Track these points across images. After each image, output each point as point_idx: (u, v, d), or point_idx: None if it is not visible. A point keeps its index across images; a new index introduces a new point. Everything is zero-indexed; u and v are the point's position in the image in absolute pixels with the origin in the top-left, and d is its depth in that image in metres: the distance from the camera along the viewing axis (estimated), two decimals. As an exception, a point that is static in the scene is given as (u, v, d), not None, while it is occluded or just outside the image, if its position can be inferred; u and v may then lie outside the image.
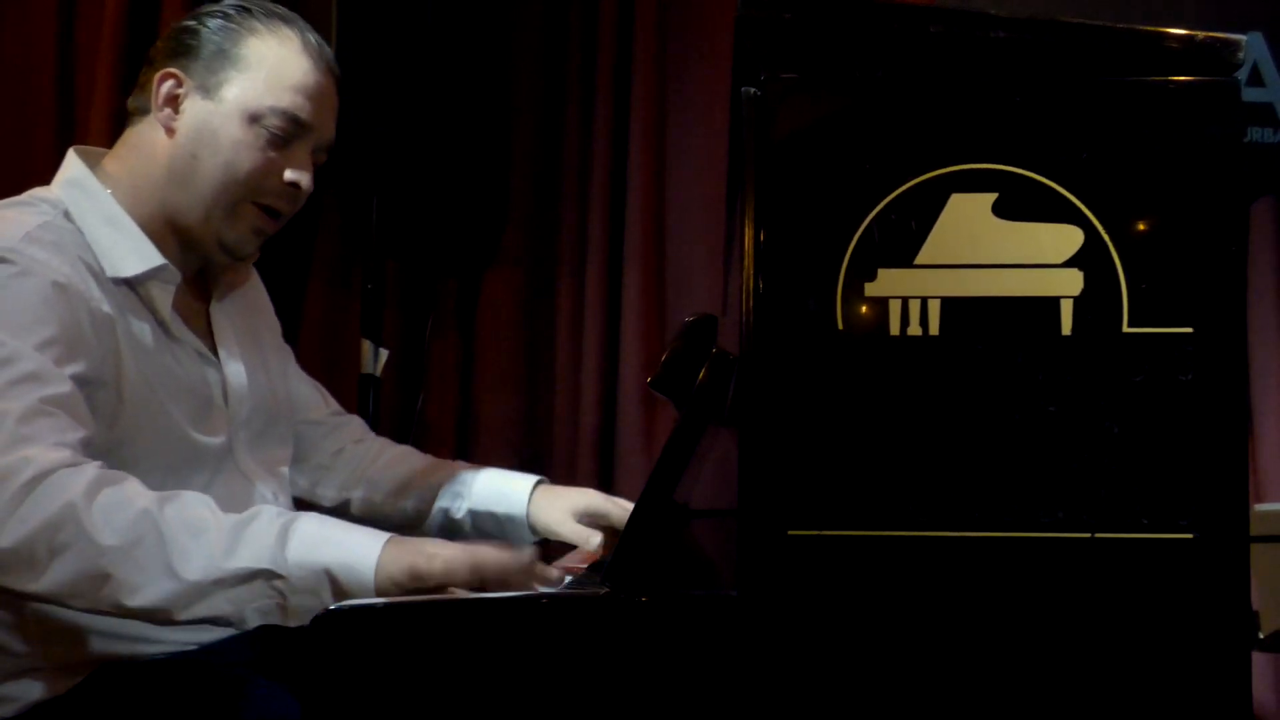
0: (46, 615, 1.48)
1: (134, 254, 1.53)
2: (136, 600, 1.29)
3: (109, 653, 1.50)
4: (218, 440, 1.59)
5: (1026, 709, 1.35)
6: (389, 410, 3.11)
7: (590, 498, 1.78)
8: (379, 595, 1.35)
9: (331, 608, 1.31)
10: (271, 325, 1.81)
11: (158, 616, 1.32)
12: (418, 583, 1.36)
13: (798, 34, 1.41)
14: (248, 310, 1.73)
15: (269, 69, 1.54)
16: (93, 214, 1.53)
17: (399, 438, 3.19)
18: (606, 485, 3.20)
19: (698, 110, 3.26)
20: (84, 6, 3.19)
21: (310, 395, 1.88)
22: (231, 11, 1.58)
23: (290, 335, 1.91)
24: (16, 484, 1.29)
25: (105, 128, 3.03)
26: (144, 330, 1.53)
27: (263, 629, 1.41)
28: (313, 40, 1.59)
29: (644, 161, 3.23)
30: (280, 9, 1.61)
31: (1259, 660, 2.99)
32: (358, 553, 1.33)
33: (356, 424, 1.94)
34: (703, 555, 1.78)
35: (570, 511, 1.80)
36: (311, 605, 1.31)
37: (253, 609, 1.32)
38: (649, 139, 3.24)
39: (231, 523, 1.32)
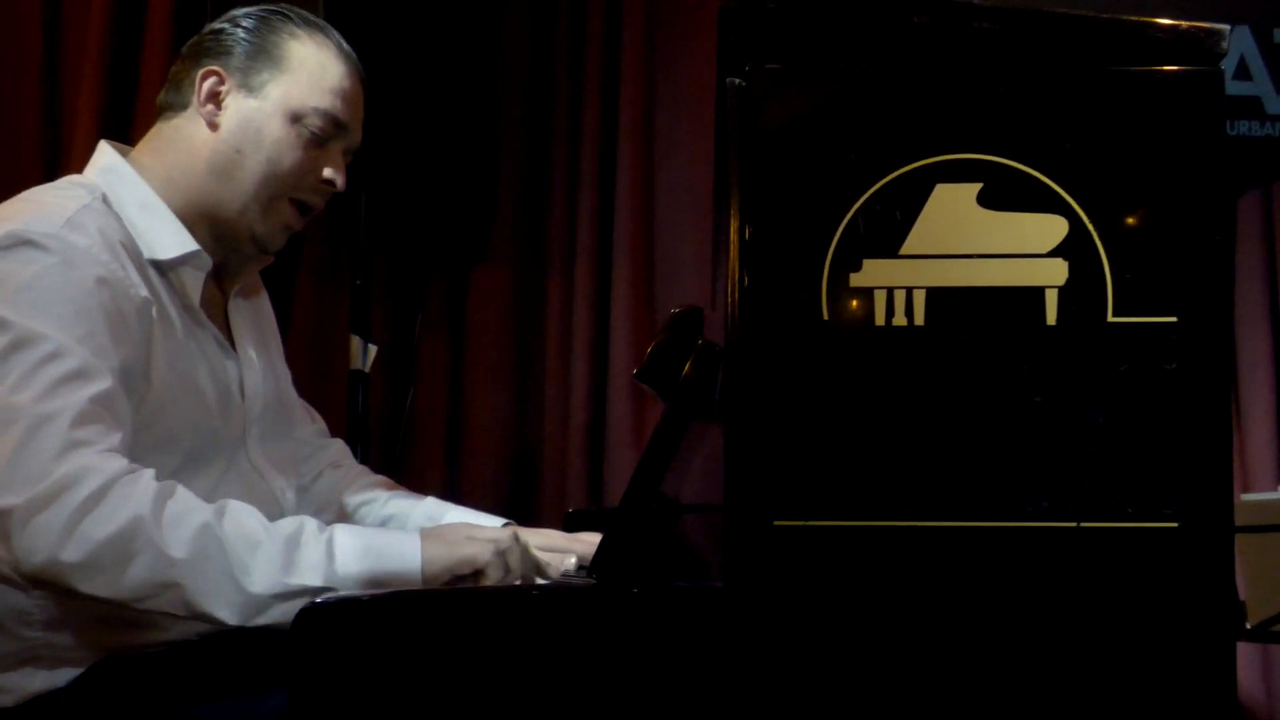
0: (52, 602, 1.50)
1: (170, 238, 1.57)
2: (200, 606, 1.37)
3: (109, 642, 1.52)
4: (234, 431, 1.61)
5: (1013, 698, 1.36)
6: (378, 406, 3.11)
7: (553, 538, 1.79)
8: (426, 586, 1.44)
9: (317, 601, 1.33)
10: (276, 336, 1.85)
11: (213, 620, 1.39)
12: (457, 579, 1.46)
13: (782, 24, 1.41)
14: (257, 316, 1.78)
15: (310, 71, 1.61)
16: (130, 199, 1.58)
17: (388, 434, 3.22)
18: (596, 480, 3.20)
19: (686, 103, 3.26)
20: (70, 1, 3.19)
21: (302, 414, 1.90)
22: (268, 15, 1.64)
23: (279, 330, 1.92)
24: (80, 496, 1.34)
25: (91, 124, 3.03)
26: (174, 315, 1.57)
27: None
28: (346, 47, 1.66)
29: (632, 155, 3.23)
30: (312, 15, 1.68)
31: (1245, 650, 3.00)
32: (403, 558, 1.43)
33: (337, 448, 1.96)
34: (691, 548, 1.78)
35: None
36: None
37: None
38: (637, 133, 3.24)
39: (283, 537, 1.39)
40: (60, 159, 3.10)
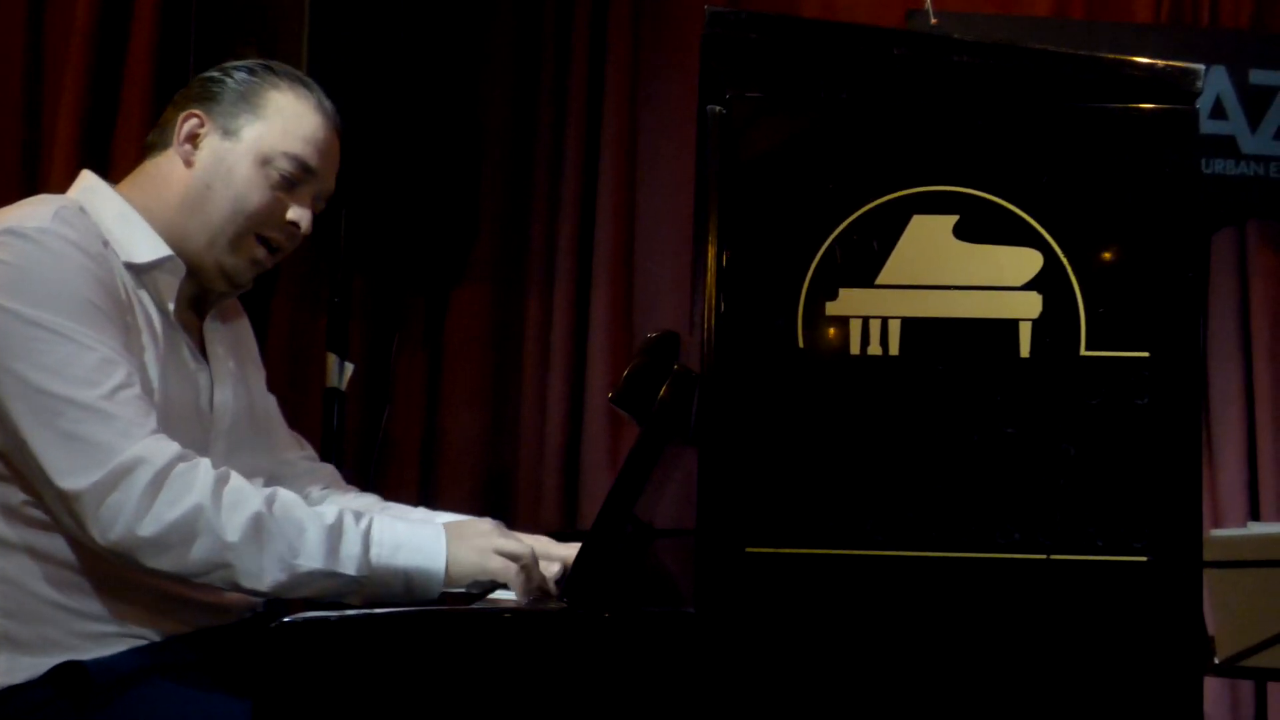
0: (12, 589, 1.53)
1: (145, 243, 1.66)
2: (249, 584, 1.50)
3: (65, 637, 1.55)
4: (197, 441, 1.64)
5: (981, 729, 1.36)
6: (353, 425, 3.10)
7: (540, 542, 1.79)
8: (447, 587, 1.56)
9: (285, 620, 1.33)
10: (257, 361, 1.90)
11: (261, 594, 1.53)
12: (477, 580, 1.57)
13: (763, 54, 1.42)
14: (235, 341, 1.85)
15: (285, 119, 1.71)
16: (106, 211, 1.66)
17: (363, 453, 3.21)
18: (571, 502, 3.20)
19: (668, 128, 3.28)
20: (53, 15, 3.18)
21: (289, 439, 1.94)
22: (256, 67, 1.75)
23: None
24: (144, 479, 1.47)
25: (71, 140, 3.02)
26: (152, 317, 1.64)
27: (210, 633, 1.53)
28: (327, 103, 1.76)
29: (614, 179, 3.25)
30: (300, 73, 1.78)
31: (1214, 685, 3.01)
32: (430, 556, 1.54)
33: (326, 471, 1.99)
34: (663, 572, 1.78)
35: None
36: (384, 595, 1.52)
37: (335, 594, 1.54)
38: (619, 157, 3.25)
39: (325, 525, 1.52)
40: (38, 189, 3.08)
